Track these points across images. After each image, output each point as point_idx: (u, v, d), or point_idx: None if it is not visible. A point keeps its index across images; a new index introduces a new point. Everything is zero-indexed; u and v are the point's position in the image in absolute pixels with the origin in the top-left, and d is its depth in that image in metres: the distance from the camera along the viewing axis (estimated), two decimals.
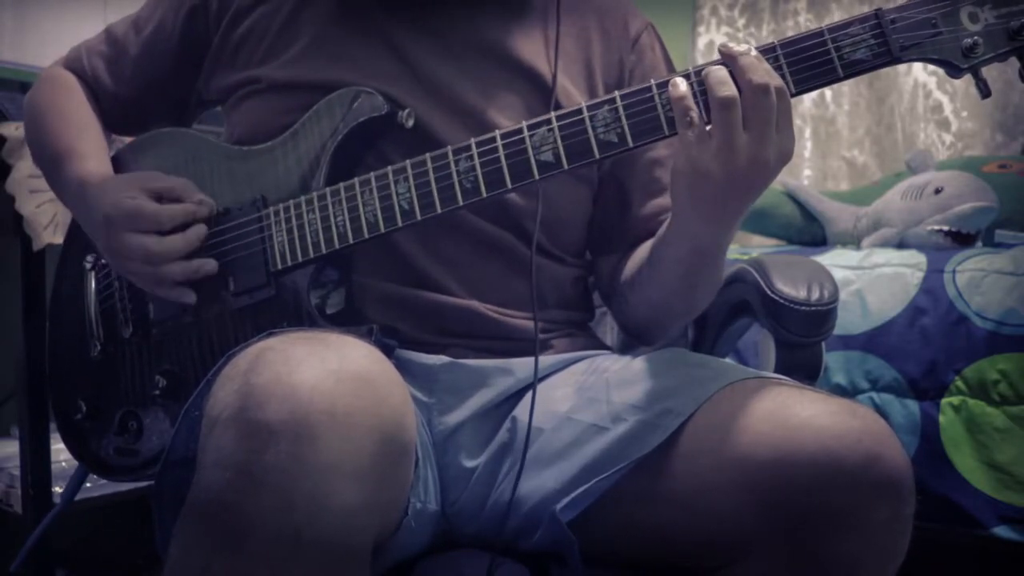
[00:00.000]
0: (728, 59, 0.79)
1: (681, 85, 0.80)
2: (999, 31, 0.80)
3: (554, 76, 1.01)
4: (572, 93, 1.03)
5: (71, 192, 1.05)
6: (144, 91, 1.14)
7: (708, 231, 0.88)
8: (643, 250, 1.02)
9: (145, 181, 0.99)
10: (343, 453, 0.66)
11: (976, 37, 0.80)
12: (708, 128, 0.80)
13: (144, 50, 1.13)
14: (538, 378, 0.96)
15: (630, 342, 1.27)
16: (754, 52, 0.79)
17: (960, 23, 0.80)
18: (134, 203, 0.96)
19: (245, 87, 1.04)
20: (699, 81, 0.81)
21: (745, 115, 0.78)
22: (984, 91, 0.82)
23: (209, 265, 0.97)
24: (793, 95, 0.81)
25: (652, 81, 0.83)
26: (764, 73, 0.78)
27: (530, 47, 1.03)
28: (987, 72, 0.82)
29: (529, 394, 0.96)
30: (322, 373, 0.67)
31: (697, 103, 0.80)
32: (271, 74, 1.02)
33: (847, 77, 0.82)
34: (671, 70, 1.11)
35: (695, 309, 1.04)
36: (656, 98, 0.83)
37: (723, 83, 0.79)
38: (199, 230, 0.97)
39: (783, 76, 0.80)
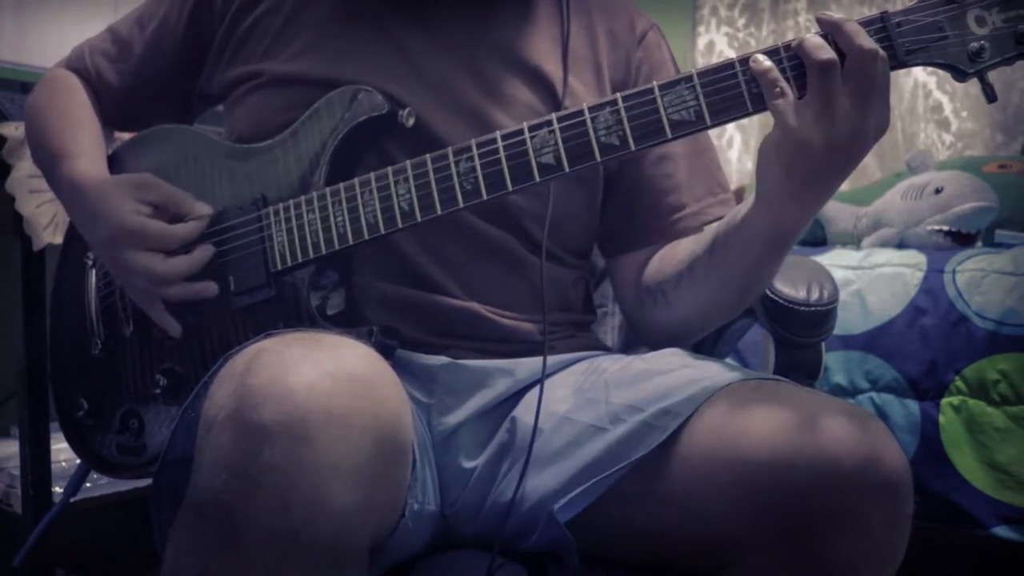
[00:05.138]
0: (830, 28, 0.78)
1: (764, 59, 0.80)
2: (1006, 35, 0.79)
3: (565, 78, 1.01)
4: (581, 94, 1.02)
5: (66, 191, 1.05)
6: (148, 87, 1.14)
7: (793, 210, 0.86)
8: (687, 244, 1.01)
9: (143, 191, 0.99)
10: (340, 454, 0.66)
11: (983, 41, 0.79)
12: (803, 99, 0.79)
13: (148, 46, 1.13)
14: (538, 379, 0.96)
15: (631, 343, 1.26)
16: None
17: (967, 27, 0.79)
18: (139, 221, 0.96)
19: (246, 82, 1.04)
20: (789, 57, 0.80)
21: (850, 81, 0.77)
22: (991, 96, 0.81)
23: (211, 289, 0.96)
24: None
25: (655, 83, 0.83)
26: (869, 39, 0.77)
27: (538, 47, 1.03)
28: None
29: (529, 395, 0.97)
30: (318, 374, 0.67)
31: (786, 77, 0.79)
32: (273, 68, 1.02)
33: None
34: (676, 70, 1.11)
35: (742, 305, 1.00)
36: (658, 100, 0.82)
37: (821, 47, 0.78)
38: (205, 251, 0.97)
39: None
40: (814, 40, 0.78)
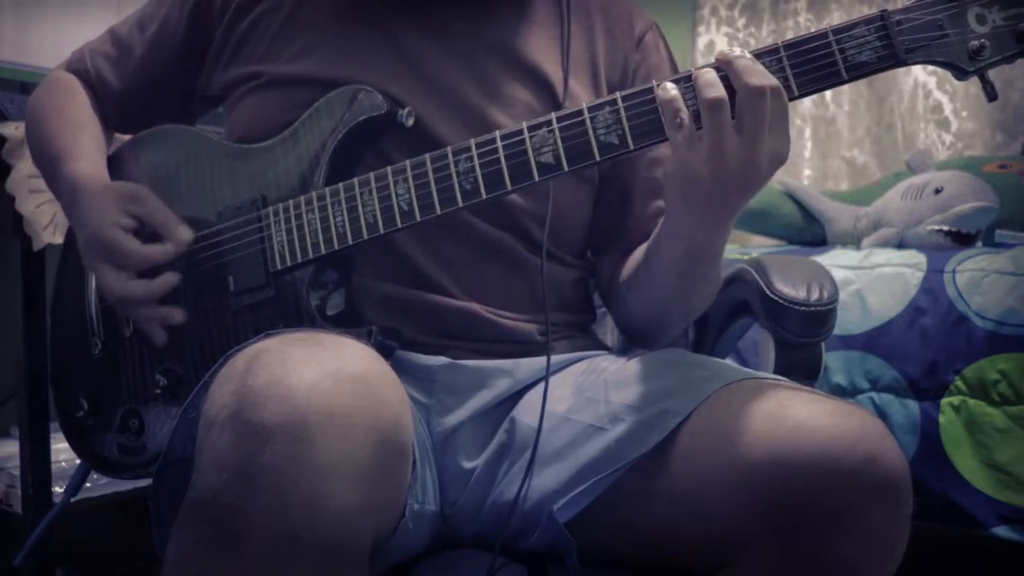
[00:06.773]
0: (724, 64, 0.79)
1: (671, 88, 0.80)
2: (1007, 33, 0.79)
3: (565, 79, 1.01)
4: (579, 94, 1.02)
5: (65, 193, 1.06)
6: (149, 88, 1.14)
7: (702, 231, 0.88)
8: (640, 251, 1.02)
9: (129, 203, 0.99)
10: (341, 454, 0.66)
11: (983, 39, 0.79)
12: (699, 131, 0.79)
13: (149, 47, 1.13)
14: (537, 380, 0.96)
15: (630, 343, 1.27)
16: (749, 55, 0.79)
17: (967, 25, 0.79)
18: (113, 235, 0.97)
19: (246, 82, 1.04)
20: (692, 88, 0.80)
21: (739, 118, 0.78)
22: (991, 94, 0.81)
23: (175, 316, 0.97)
24: (796, 97, 0.80)
25: (654, 82, 0.83)
26: (760, 75, 0.78)
27: (536, 47, 1.03)
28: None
29: (528, 395, 0.97)
30: (319, 374, 0.68)
31: (688, 106, 0.80)
32: (272, 69, 1.02)
33: (852, 79, 0.81)
34: (675, 70, 1.10)
35: (693, 311, 1.03)
36: (658, 99, 0.82)
37: (711, 85, 0.78)
38: (167, 280, 0.97)
39: (786, 78, 0.80)
40: (706, 76, 0.79)
